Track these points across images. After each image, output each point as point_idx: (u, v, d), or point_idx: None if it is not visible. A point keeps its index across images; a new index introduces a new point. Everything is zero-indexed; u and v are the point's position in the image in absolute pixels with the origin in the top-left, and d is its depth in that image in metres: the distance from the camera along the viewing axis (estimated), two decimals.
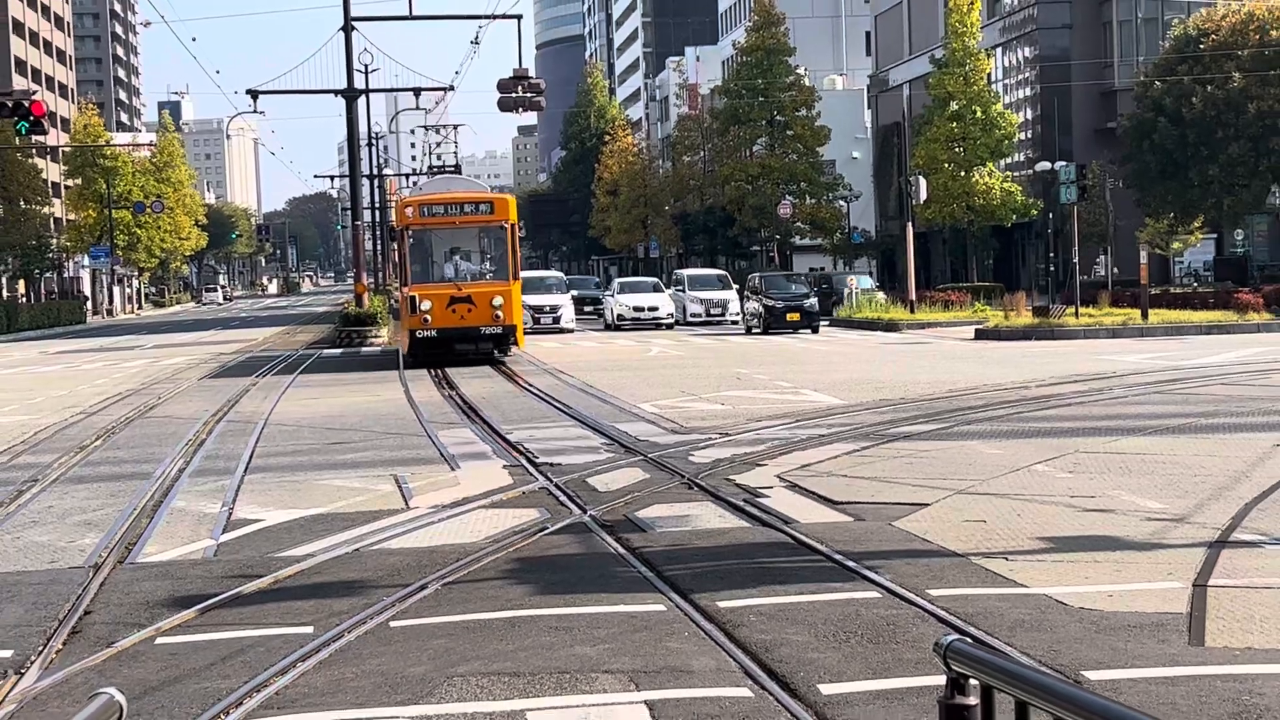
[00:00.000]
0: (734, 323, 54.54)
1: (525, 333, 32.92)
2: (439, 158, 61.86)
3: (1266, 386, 23.56)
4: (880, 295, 57.95)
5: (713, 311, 55.24)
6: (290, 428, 21.99)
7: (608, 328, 52.23)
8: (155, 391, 31.11)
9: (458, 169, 48.55)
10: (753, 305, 47.66)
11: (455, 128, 65.73)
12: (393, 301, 45.50)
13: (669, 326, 51.31)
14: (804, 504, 13.35)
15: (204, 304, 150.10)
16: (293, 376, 33.31)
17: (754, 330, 46.46)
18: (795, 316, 44.90)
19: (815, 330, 45.62)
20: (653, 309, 51.92)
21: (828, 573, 10.20)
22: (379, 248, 76.94)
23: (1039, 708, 2.60)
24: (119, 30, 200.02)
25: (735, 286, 60.73)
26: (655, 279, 60.77)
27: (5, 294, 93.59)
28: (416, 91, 64.81)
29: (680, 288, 57.21)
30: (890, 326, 46.95)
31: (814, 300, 48.00)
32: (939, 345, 39.11)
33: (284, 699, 7.52)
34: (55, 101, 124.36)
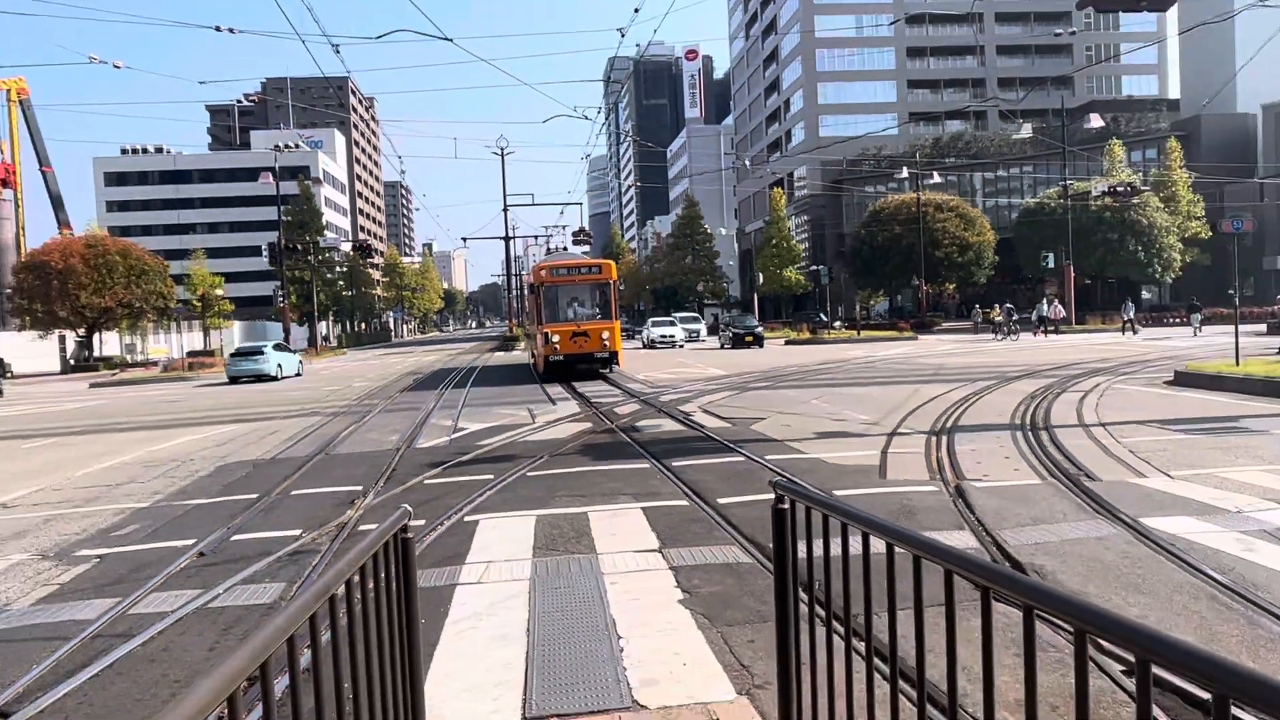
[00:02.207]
0: (703, 341, 49.35)
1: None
2: (552, 242, 59.93)
3: (913, 365, 23.56)
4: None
5: (692, 335, 49.21)
6: (480, 390, 21.97)
7: (644, 346, 45.59)
8: (422, 371, 31.07)
9: (566, 249, 45.76)
10: (727, 332, 42.36)
11: (565, 227, 63.23)
12: (526, 331, 39.59)
13: (680, 345, 44.37)
14: (710, 419, 13.27)
15: (442, 333, 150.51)
16: (480, 366, 33.30)
17: (725, 346, 41.05)
18: (750, 339, 39.84)
19: (761, 345, 39.79)
20: (671, 335, 44.72)
21: (721, 449, 10.16)
22: (521, 305, 76.54)
23: (812, 507, 2.61)
24: (405, 210, 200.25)
25: (705, 321, 56.32)
26: (672, 318, 51.43)
27: (356, 329, 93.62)
28: (536, 236, 64.83)
29: (674, 323, 50.92)
30: None
31: (761, 328, 42.71)
32: (770, 349, 38.83)
33: (480, 507, 7.55)
34: (377, 243, 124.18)
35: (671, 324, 47.43)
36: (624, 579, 5.33)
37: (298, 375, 33.26)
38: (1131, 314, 37.80)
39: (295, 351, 36.10)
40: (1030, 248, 51.49)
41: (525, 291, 27.07)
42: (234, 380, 31.55)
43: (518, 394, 19.71)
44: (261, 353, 32.02)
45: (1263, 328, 34.77)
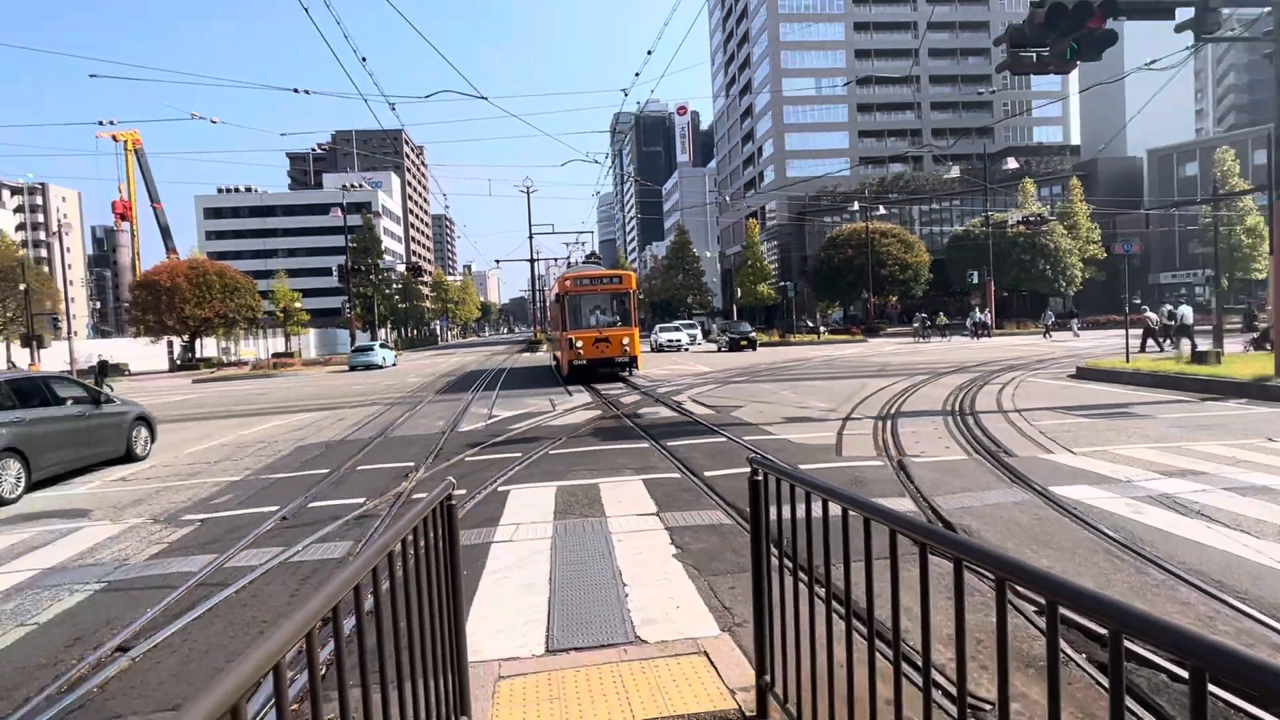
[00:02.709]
0: (700, 345, 44.73)
1: None
2: (571, 258, 57.15)
3: (863, 363, 23.42)
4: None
5: (691, 339, 43.35)
6: (510, 384, 21.88)
7: (652, 349, 39.63)
8: (463, 369, 30.95)
9: (583, 262, 42.80)
10: (724, 337, 38.17)
11: (583, 244, 60.26)
12: (549, 336, 36.03)
13: (686, 349, 39.36)
14: (698, 407, 13.18)
15: (479, 337, 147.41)
16: (510, 366, 33.16)
17: (722, 350, 36.94)
18: (745, 343, 35.53)
19: (754, 349, 35.57)
20: (678, 340, 39.89)
21: (707, 431, 10.10)
22: (543, 314, 75.69)
23: (781, 478, 2.60)
24: (448, 239, 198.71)
25: (699, 327, 52.04)
26: (677, 325, 46.20)
27: (409, 335, 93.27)
28: (556, 259, 64.54)
29: (680, 329, 44.30)
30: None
31: (754, 334, 37.38)
32: (747, 351, 38.62)
33: (510, 479, 7.50)
34: (425, 265, 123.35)
35: (677, 330, 43.21)
36: (628, 538, 5.32)
37: (394, 365, 38.09)
38: (1051, 320, 37.84)
39: (393, 349, 43.99)
40: (959, 267, 51.40)
41: (550, 300, 22.64)
42: (353, 369, 36.43)
43: (541, 388, 19.60)
44: (372, 349, 37.74)
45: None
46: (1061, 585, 1.32)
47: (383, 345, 39.81)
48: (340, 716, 1.53)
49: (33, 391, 9.05)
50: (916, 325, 41.14)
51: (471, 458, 8.95)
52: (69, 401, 9.53)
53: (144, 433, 10.74)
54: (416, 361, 43.58)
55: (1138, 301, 50.03)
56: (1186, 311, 21.16)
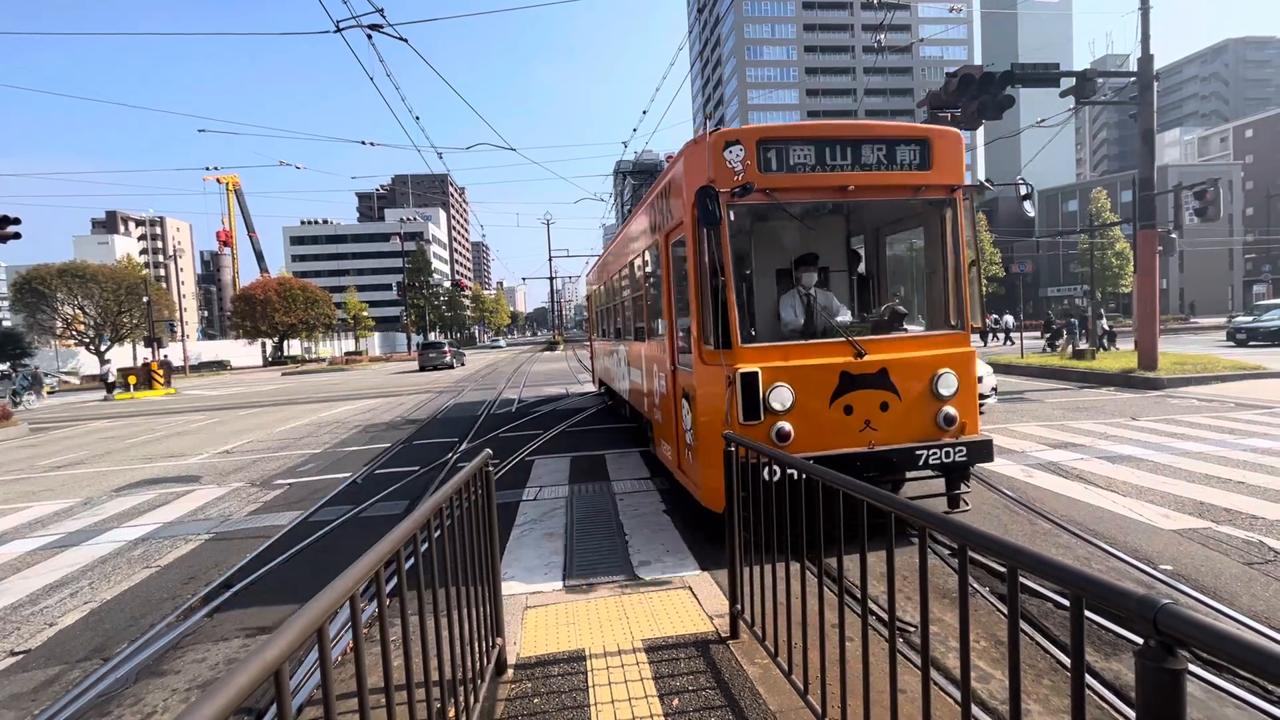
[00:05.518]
0: None
1: None
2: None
3: None
4: None
5: None
6: (533, 375, 21.73)
7: None
8: (497, 365, 30.77)
9: None
10: None
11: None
12: (587, 337, 20.31)
13: None
14: None
15: (509, 339, 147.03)
16: (535, 358, 32.91)
17: None
18: None
19: None
20: None
21: None
22: (560, 320, 74.66)
23: (749, 449, 2.59)
24: (484, 261, 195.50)
25: None
26: None
27: (454, 338, 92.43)
28: (571, 276, 64.30)
29: None
30: None
31: None
32: None
33: (535, 451, 7.42)
34: (467, 281, 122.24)
35: None
36: (628, 497, 5.30)
37: (505, 349, 47.79)
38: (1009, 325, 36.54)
39: (504, 340, 58.08)
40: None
41: (621, 252, 5.65)
42: (491, 348, 46.34)
43: (557, 378, 19.56)
44: (500, 341, 49.63)
45: (1036, 334, 34.77)
46: (969, 532, 1.33)
47: (502, 334, 49.83)
48: (403, 638, 1.53)
49: (450, 344, 25.69)
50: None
51: (505, 434, 8.85)
52: (457, 346, 27.90)
53: (465, 358, 25.30)
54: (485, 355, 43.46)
55: (1031, 311, 50.11)
56: (1009, 319, 24.52)
